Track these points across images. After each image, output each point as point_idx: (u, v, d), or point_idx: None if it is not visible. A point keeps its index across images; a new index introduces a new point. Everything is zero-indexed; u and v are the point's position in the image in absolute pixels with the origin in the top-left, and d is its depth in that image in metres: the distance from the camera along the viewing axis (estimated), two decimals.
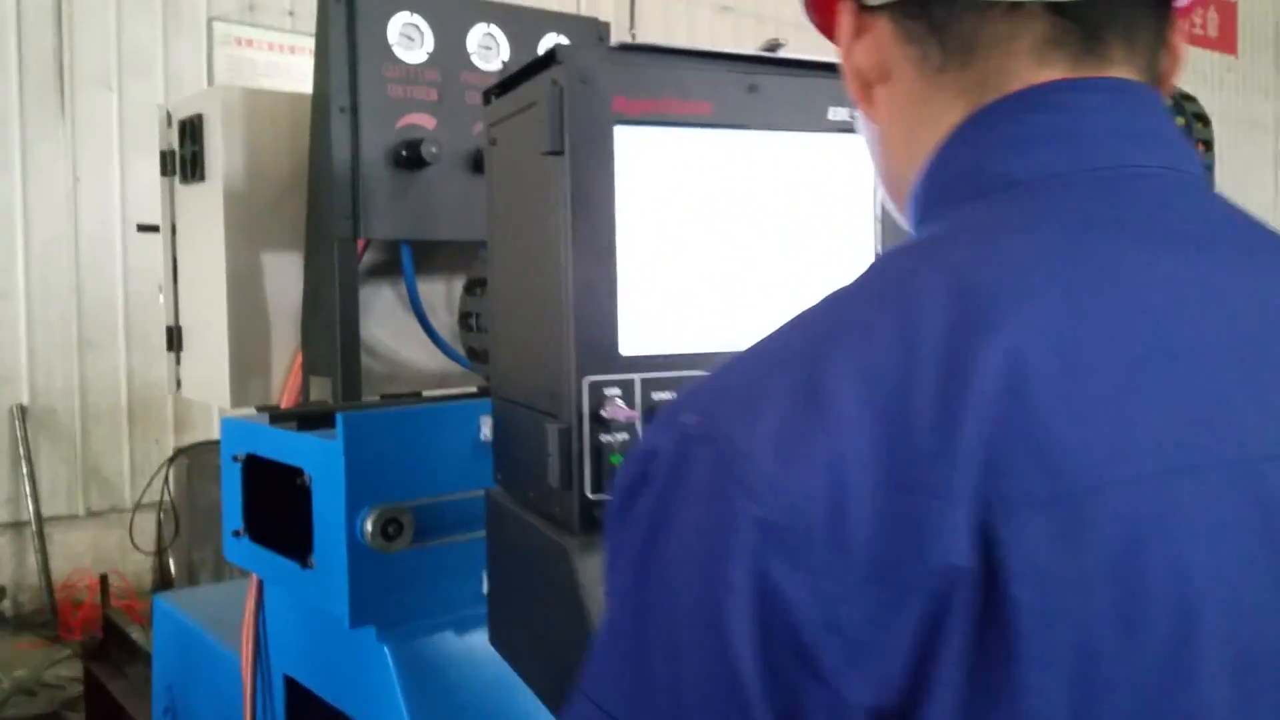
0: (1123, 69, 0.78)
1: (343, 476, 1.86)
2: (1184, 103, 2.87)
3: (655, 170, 1.36)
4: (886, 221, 1.46)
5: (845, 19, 0.89)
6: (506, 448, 1.59)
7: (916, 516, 0.60)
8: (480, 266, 2.34)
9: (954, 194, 0.80)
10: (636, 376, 1.35)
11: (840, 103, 1.42)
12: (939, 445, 0.61)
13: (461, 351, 2.55)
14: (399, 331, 2.62)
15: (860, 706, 0.60)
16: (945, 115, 0.82)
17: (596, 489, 1.34)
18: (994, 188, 0.77)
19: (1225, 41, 14.22)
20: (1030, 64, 0.78)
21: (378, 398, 2.51)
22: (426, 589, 1.97)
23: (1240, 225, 0.76)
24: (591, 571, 1.32)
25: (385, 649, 1.93)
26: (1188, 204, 0.76)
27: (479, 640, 2.06)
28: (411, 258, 2.41)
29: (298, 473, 2.00)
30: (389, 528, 1.88)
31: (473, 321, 2.33)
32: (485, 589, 2.03)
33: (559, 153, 1.31)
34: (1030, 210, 0.74)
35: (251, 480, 2.17)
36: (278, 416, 2.08)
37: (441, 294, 2.64)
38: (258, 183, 2.38)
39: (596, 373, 1.33)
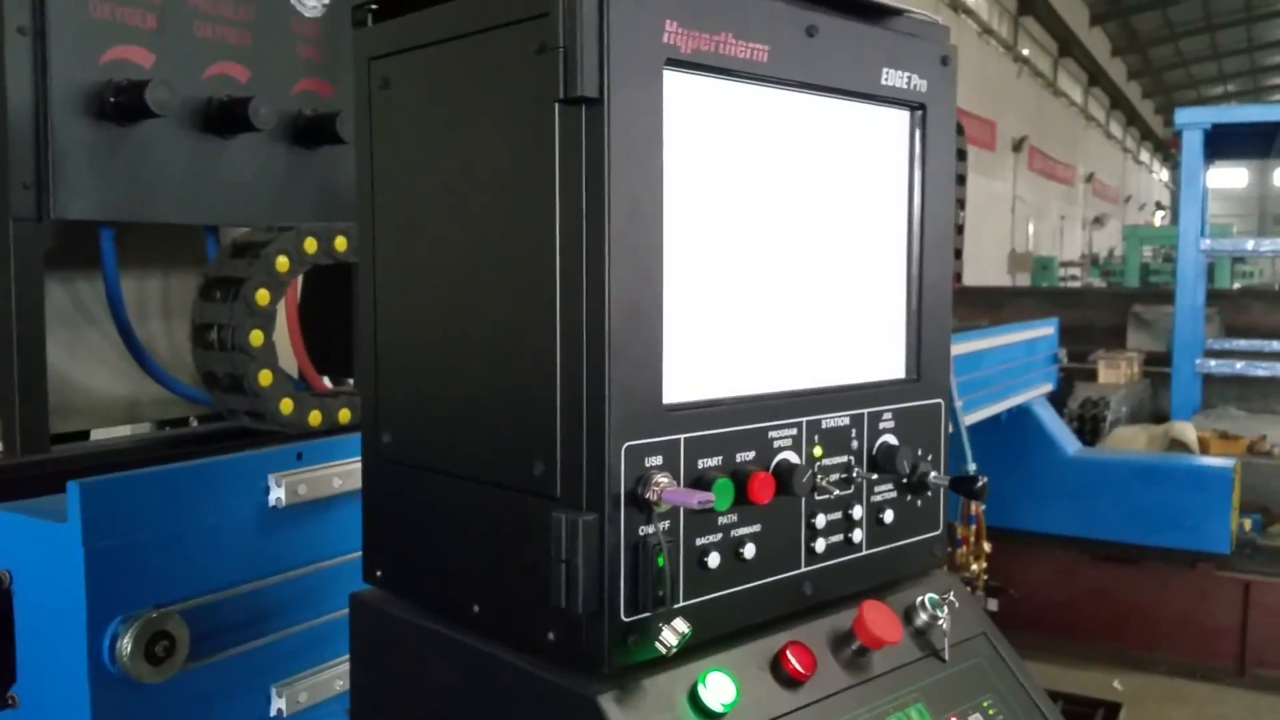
0: None
1: (81, 576, 1.24)
2: None
3: (704, 138, 0.94)
4: (930, 214, 1.14)
5: None
6: (405, 535, 1.09)
7: None
8: (226, 262, 1.73)
9: None
10: (680, 437, 0.92)
11: (894, 63, 1.07)
12: None
13: (175, 370, 1.92)
14: (73, 346, 1.92)
15: None
16: None
17: (635, 607, 0.90)
18: None
19: None
20: None
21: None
22: None
23: None
24: None
25: None
26: None
27: None
28: (114, 247, 1.75)
29: None
30: (156, 646, 1.28)
31: (214, 336, 1.73)
32: (277, 708, 1.48)
33: (591, 101, 0.85)
34: None
35: None
36: None
37: (133, 293, 1.97)
38: None
39: (637, 435, 0.89)
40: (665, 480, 0.90)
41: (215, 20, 1.78)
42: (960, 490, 1.13)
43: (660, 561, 0.90)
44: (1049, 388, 5.23)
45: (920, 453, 1.14)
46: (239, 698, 1.44)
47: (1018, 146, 25.20)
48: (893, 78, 1.08)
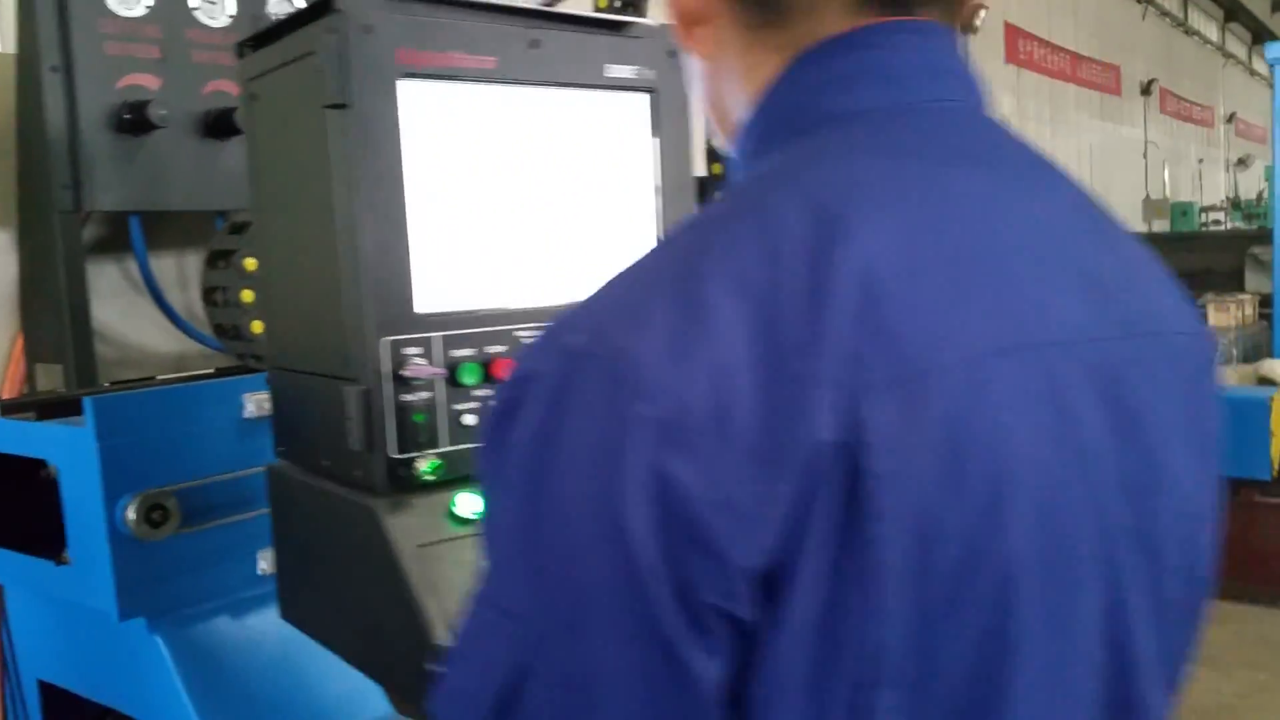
0: (926, 14, 0.86)
1: (97, 464, 1.74)
2: None
3: (441, 125, 1.35)
4: (667, 174, 1.52)
5: None
6: (291, 419, 1.54)
7: (791, 402, 0.67)
8: (223, 238, 2.22)
9: (784, 129, 0.86)
10: (438, 335, 1.34)
11: (618, 60, 1.46)
12: (807, 341, 0.67)
13: (205, 329, 2.42)
14: (127, 312, 2.45)
15: (746, 571, 0.66)
16: (765, 65, 0.88)
17: (402, 448, 1.32)
18: (821, 122, 0.83)
19: None
20: (842, 19, 0.85)
21: (107, 385, 2.34)
22: (196, 575, 1.87)
23: (1012, 149, 0.88)
24: (401, 529, 1.30)
25: (158, 639, 1.83)
26: (977, 131, 0.87)
27: (257, 622, 1.99)
28: (141, 231, 2.25)
29: (39, 465, 1.84)
30: (153, 514, 1.77)
31: (219, 296, 2.22)
32: (262, 567, 1.96)
33: (343, 105, 1.27)
34: (860, 139, 0.81)
35: None
36: (10, 407, 1.90)
37: (172, 270, 2.49)
38: None
39: (394, 333, 1.31)
40: (421, 362, 1.32)
41: (210, 48, 2.26)
42: None
43: (417, 418, 1.32)
44: None
45: None
46: (232, 558, 1.92)
47: (1146, 90, 24.35)
48: (617, 71, 1.46)
